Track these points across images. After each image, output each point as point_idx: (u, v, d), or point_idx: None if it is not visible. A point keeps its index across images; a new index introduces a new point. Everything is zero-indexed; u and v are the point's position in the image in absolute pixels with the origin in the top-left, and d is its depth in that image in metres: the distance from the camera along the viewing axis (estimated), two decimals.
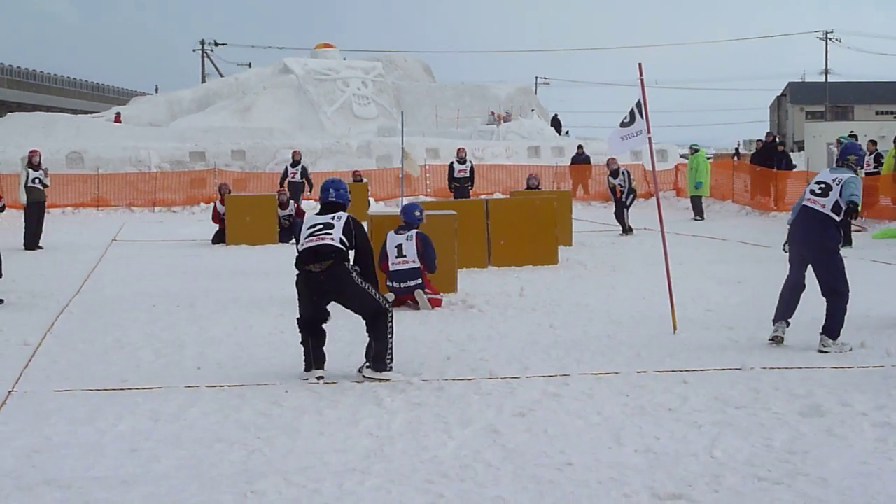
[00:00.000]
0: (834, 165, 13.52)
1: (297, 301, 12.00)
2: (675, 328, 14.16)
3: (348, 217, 12.10)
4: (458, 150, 39.03)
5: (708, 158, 41.19)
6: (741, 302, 16.12)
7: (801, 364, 12.02)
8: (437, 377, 11.61)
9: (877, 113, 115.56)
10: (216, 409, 10.28)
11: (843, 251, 18.60)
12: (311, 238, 11.86)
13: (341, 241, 11.82)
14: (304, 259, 11.83)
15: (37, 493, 7.82)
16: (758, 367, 11.82)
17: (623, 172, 31.48)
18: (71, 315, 16.36)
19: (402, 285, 16.58)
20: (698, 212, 36.11)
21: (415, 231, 16.80)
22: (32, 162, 28.81)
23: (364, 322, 12.01)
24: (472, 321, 15.24)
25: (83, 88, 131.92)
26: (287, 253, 17.10)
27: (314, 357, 11.86)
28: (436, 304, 16.56)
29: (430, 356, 12.78)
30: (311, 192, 33.26)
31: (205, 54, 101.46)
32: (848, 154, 13.35)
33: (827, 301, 12.90)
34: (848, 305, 12.85)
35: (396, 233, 16.83)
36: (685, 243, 26.42)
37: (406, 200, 34.85)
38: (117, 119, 64.02)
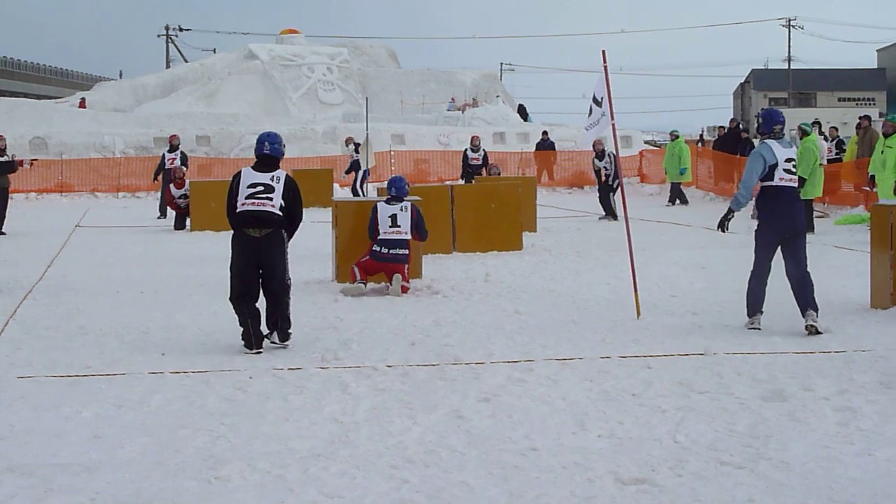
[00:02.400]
0: (767, 140, 13.36)
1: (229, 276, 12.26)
2: (639, 313, 14.20)
3: (287, 178, 12.25)
4: (472, 137, 39.25)
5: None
6: (705, 287, 16.18)
7: (764, 349, 12.07)
8: (402, 363, 11.60)
9: (839, 100, 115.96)
10: (181, 396, 10.25)
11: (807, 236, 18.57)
12: (251, 201, 11.93)
13: (281, 208, 11.99)
14: (245, 222, 11.98)
15: (0, 481, 7.77)
16: (721, 353, 11.87)
17: (609, 155, 31.09)
18: (34, 301, 16.28)
19: (391, 251, 16.63)
20: (681, 198, 36.08)
21: (409, 202, 16.88)
22: None
23: (269, 294, 12.33)
24: (438, 307, 15.24)
25: (47, 74, 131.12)
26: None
27: (254, 335, 12.11)
28: (404, 290, 16.56)
29: (395, 342, 12.78)
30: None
31: (169, 39, 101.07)
32: (776, 122, 13.31)
33: (800, 282, 12.91)
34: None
35: (388, 203, 16.89)
36: (649, 229, 26.50)
37: (372, 187, 34.92)
38: (82, 104, 63.69)
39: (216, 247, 23.13)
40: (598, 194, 31.91)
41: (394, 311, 14.99)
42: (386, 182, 18.31)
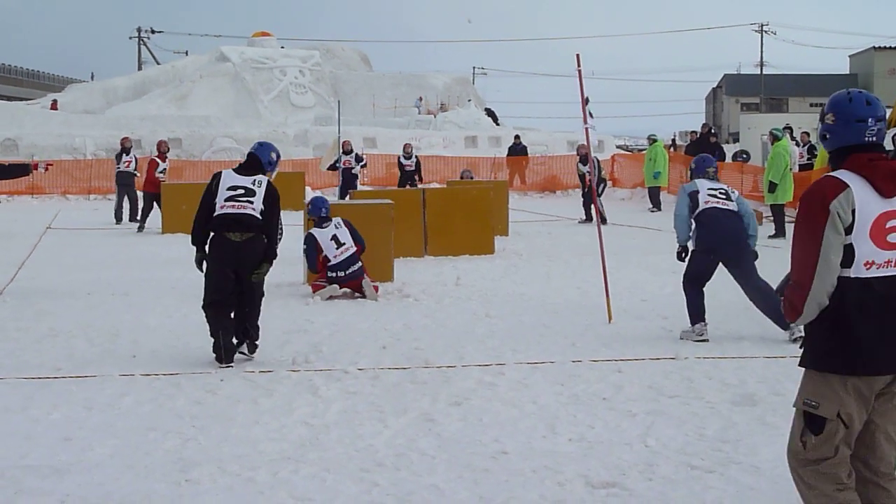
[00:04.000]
0: (696, 179, 13.62)
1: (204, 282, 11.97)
2: (609, 318, 14.24)
3: (268, 183, 11.97)
4: (405, 145, 39.38)
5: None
6: (675, 292, 16.18)
7: (734, 354, 12.13)
8: (373, 366, 11.60)
9: (811, 105, 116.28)
10: (151, 398, 10.23)
11: (776, 241, 18.66)
12: (231, 203, 11.68)
13: (261, 213, 11.72)
14: (224, 225, 11.69)
15: None
16: (691, 357, 11.92)
17: (593, 160, 31.10)
18: (4, 303, 16.24)
19: (348, 272, 16.53)
20: (655, 203, 36.09)
21: (339, 218, 16.81)
22: None
23: (245, 302, 11.92)
24: (408, 310, 15.25)
25: (18, 75, 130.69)
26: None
27: (225, 349, 11.69)
28: (375, 290, 16.56)
29: (365, 345, 12.78)
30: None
31: (141, 42, 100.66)
32: (707, 166, 13.75)
33: (762, 300, 12.90)
34: None
35: (321, 227, 16.73)
36: (620, 233, 26.58)
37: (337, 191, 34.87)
38: (53, 106, 63.48)
39: (187, 249, 23.06)
40: (582, 198, 31.97)
41: (364, 314, 15.00)
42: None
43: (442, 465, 8.15)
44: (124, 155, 32.84)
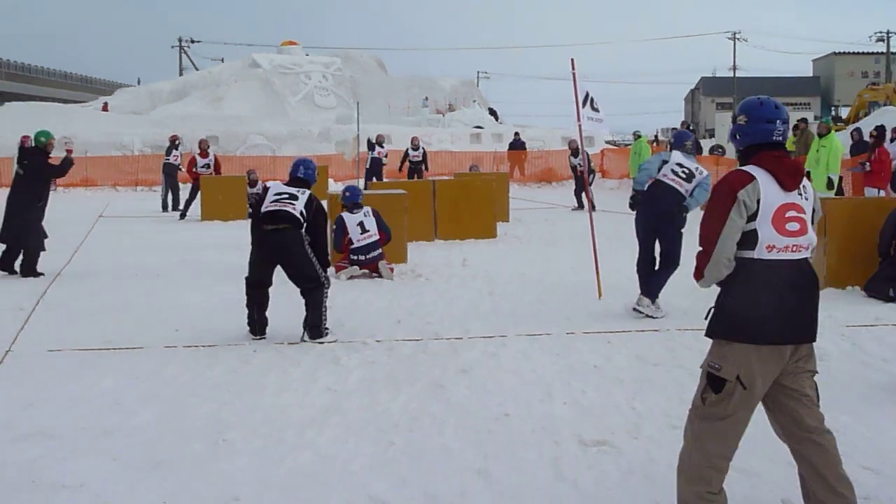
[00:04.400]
0: (669, 150, 13.49)
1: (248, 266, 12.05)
2: (600, 295, 14.20)
3: (311, 195, 12.06)
4: (413, 138, 39.24)
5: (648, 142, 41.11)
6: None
7: None
8: (389, 338, 11.59)
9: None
10: (190, 367, 10.22)
11: None
12: (274, 203, 11.87)
13: (301, 214, 11.78)
14: (264, 219, 11.83)
15: (30, 442, 7.76)
16: (673, 329, 11.89)
17: (584, 153, 31.17)
18: (61, 283, 16.24)
19: (368, 256, 16.50)
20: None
21: (370, 208, 16.77)
22: (25, 146, 28.62)
23: (301, 290, 11.84)
24: (420, 289, 15.22)
25: (73, 81, 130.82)
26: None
27: (258, 324, 11.83)
28: (391, 270, 16.55)
29: (382, 320, 12.76)
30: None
31: (182, 50, 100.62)
32: (684, 140, 13.52)
33: (661, 267, 12.97)
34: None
35: (351, 213, 16.68)
36: (610, 219, 26.47)
37: (361, 182, 34.83)
38: (104, 108, 63.54)
39: (222, 235, 23.11)
40: (574, 188, 32.04)
41: (381, 292, 14.97)
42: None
43: (451, 427, 8.13)
44: (173, 150, 32.89)
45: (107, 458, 7.35)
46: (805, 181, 5.92)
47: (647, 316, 12.71)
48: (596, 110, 15.13)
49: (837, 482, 5.85)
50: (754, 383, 5.74)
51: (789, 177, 5.81)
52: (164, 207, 31.64)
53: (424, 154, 38.11)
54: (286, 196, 12.01)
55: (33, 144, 17.96)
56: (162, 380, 9.79)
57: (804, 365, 5.90)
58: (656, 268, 13.09)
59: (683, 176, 12.96)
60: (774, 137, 5.93)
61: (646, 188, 13.12)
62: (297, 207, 11.81)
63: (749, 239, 5.78)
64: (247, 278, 12.01)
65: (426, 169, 37.53)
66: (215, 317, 13.11)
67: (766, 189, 5.77)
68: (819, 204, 6.04)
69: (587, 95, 15.07)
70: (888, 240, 14.11)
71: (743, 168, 5.89)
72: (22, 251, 17.03)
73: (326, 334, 11.72)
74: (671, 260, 12.94)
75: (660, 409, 8.63)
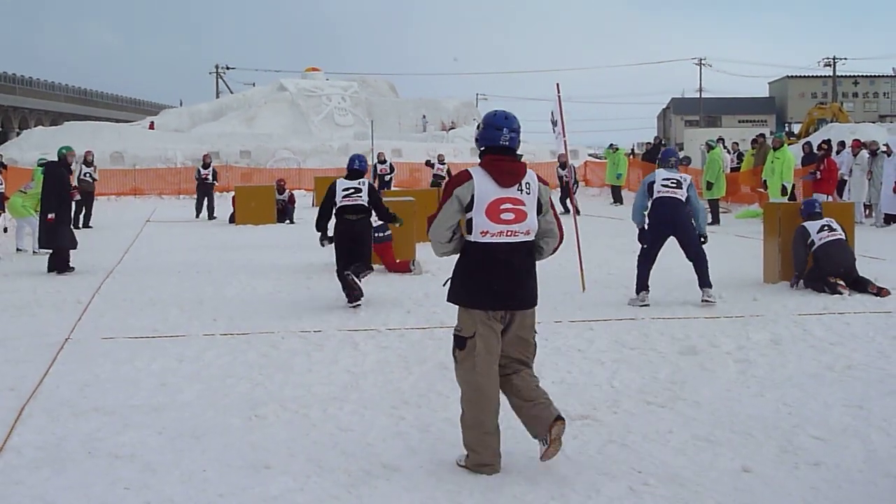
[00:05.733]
0: (661, 167, 13.41)
1: (333, 254, 13.32)
2: (583, 287, 14.22)
3: (369, 183, 13.62)
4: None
5: (626, 154, 41.12)
6: (635, 267, 16.17)
7: (681, 315, 12.10)
8: (400, 326, 11.60)
9: (739, 121, 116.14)
10: (227, 352, 10.24)
11: (712, 228, 18.45)
12: (347, 198, 13.36)
13: (367, 202, 13.47)
14: (345, 211, 13.35)
15: (87, 418, 7.78)
16: (647, 318, 11.90)
17: (570, 166, 31.36)
18: (114, 279, 16.26)
19: (377, 234, 16.40)
20: (617, 198, 35.89)
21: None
22: (87, 160, 28.82)
23: (355, 258, 13.17)
24: (427, 283, 15.22)
25: (124, 102, 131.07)
26: (280, 231, 17.09)
27: (358, 290, 12.93)
28: (404, 266, 16.59)
29: (394, 310, 12.77)
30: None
31: (219, 76, 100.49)
32: (669, 157, 13.51)
33: (696, 262, 12.94)
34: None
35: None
36: (592, 222, 26.50)
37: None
38: (151, 126, 63.54)
39: (255, 237, 23.11)
40: (560, 195, 32.16)
41: (393, 286, 14.98)
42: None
43: (454, 403, 8.09)
44: (202, 169, 32.29)
45: (154, 432, 7.37)
46: (530, 180, 6.37)
47: (712, 301, 12.70)
48: (554, 124, 15.16)
49: (532, 393, 6.42)
50: (488, 339, 6.33)
51: (504, 176, 6.28)
52: (198, 214, 31.57)
53: (448, 170, 37.22)
54: (352, 190, 13.40)
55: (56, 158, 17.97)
56: (203, 363, 9.80)
57: (529, 318, 6.58)
58: (650, 263, 13.18)
59: (674, 185, 12.96)
60: (502, 142, 6.37)
61: (650, 207, 13.07)
62: (364, 198, 13.43)
63: (469, 225, 6.34)
64: (338, 268, 13.06)
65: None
66: (249, 308, 13.12)
67: (481, 186, 6.26)
68: (546, 197, 6.55)
69: (552, 114, 15.11)
70: (803, 258, 13.98)
71: (468, 168, 6.40)
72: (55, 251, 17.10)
73: (363, 276, 13.20)
74: (699, 254, 12.94)
75: (635, 386, 8.64)
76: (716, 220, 26.11)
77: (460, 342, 6.44)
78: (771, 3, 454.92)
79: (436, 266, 16.96)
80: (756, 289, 14.14)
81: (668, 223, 12.91)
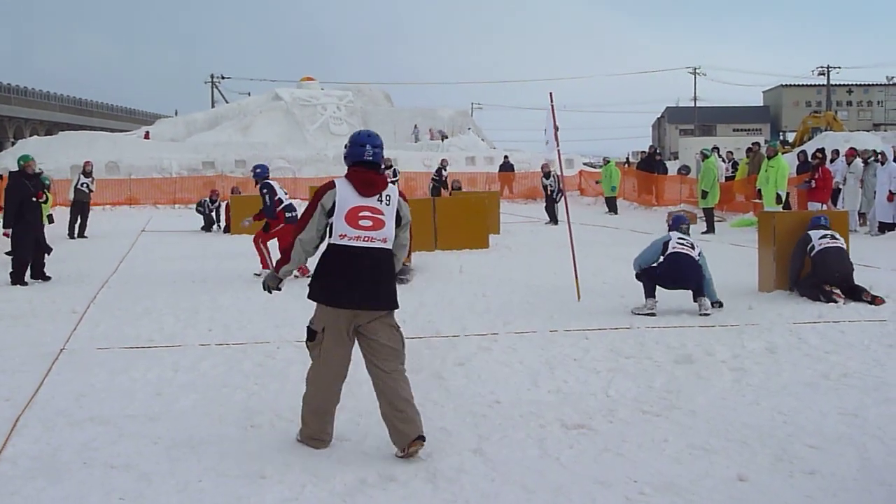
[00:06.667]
0: (673, 230, 13.63)
1: None
2: (579, 297, 14.21)
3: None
4: (442, 160, 38.65)
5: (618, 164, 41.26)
6: (630, 276, 16.14)
7: (676, 324, 12.10)
8: None
9: (734, 130, 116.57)
10: (223, 362, 10.23)
11: (707, 237, 18.42)
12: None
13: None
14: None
15: (83, 428, 7.77)
16: (643, 327, 11.90)
17: (554, 175, 31.59)
18: (110, 288, 16.24)
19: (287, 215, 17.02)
20: (612, 208, 35.94)
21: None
22: (85, 170, 28.86)
23: None
24: (422, 292, 15.22)
25: (119, 112, 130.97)
26: (275, 241, 17.14)
27: None
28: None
29: None
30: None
31: (214, 85, 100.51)
32: (680, 224, 13.79)
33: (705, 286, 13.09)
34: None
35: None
36: (587, 231, 26.50)
37: None
38: (146, 136, 63.52)
39: (250, 247, 23.06)
40: (545, 205, 32.27)
41: None
42: None
43: (450, 411, 8.15)
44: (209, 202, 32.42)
45: (150, 441, 7.36)
46: (390, 193, 7.03)
47: (708, 313, 12.75)
48: (545, 132, 15.21)
49: (399, 402, 6.89)
50: (335, 335, 6.97)
51: (364, 186, 6.93)
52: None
53: (446, 176, 37.21)
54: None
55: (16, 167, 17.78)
56: (198, 372, 9.79)
57: (385, 320, 7.09)
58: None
59: (689, 245, 13.15)
60: (365, 157, 7.04)
61: (663, 260, 13.12)
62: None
63: (330, 229, 6.93)
64: None
65: (447, 188, 35.51)
66: (244, 317, 13.10)
67: (342, 194, 6.91)
68: (406, 211, 7.16)
69: (546, 124, 15.15)
70: (798, 265, 14.13)
71: (335, 178, 7.06)
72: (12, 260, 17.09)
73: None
74: (705, 280, 13.14)
75: (631, 395, 8.65)
76: (710, 229, 26.14)
77: (311, 334, 7.11)
78: (765, 12, 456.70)
79: (430, 276, 16.97)
80: (751, 297, 14.15)
81: (683, 274, 13.04)
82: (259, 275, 17.08)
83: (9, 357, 10.61)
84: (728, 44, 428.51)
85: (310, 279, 7.08)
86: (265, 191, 17.21)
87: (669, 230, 13.77)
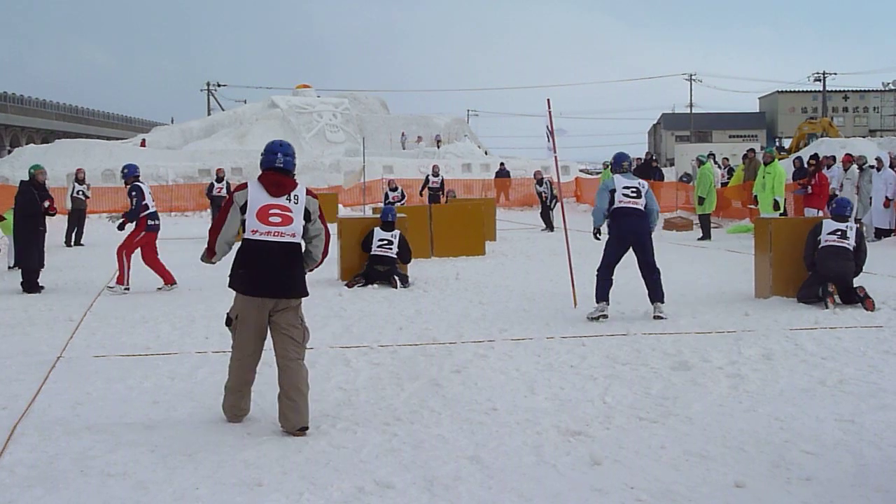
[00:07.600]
0: (615, 174, 13.49)
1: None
2: (575, 303, 14.23)
3: (401, 235, 16.90)
4: (433, 166, 38.69)
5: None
6: (626, 283, 16.16)
7: (672, 330, 12.12)
8: (392, 343, 11.60)
9: (730, 136, 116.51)
10: (220, 370, 10.19)
11: (703, 244, 18.41)
12: (380, 248, 16.82)
13: (397, 254, 16.67)
14: (375, 261, 16.78)
15: (80, 436, 7.76)
16: (639, 333, 11.91)
17: (546, 182, 31.65)
18: (106, 296, 16.25)
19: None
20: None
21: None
22: (78, 177, 28.86)
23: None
24: (419, 299, 15.24)
25: (115, 120, 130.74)
26: None
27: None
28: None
29: (386, 326, 12.77)
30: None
31: (210, 93, 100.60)
32: (622, 161, 13.65)
33: (650, 276, 13.09)
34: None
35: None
36: (583, 238, 26.46)
37: (369, 208, 34.86)
38: (143, 144, 63.54)
39: None
40: (540, 212, 32.27)
41: (385, 303, 14.98)
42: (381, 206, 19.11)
43: (447, 419, 8.15)
44: (216, 183, 32.94)
45: (147, 450, 7.35)
46: (299, 193, 7.86)
47: (664, 317, 12.87)
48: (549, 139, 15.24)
49: (293, 392, 7.73)
50: (247, 321, 7.92)
51: (273, 187, 7.78)
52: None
53: (442, 181, 36.77)
54: (386, 242, 16.84)
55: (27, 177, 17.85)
56: (195, 380, 9.80)
57: (295, 312, 7.98)
58: (612, 276, 13.31)
59: (634, 195, 13.07)
60: (277, 164, 7.88)
61: (609, 215, 13.17)
62: (394, 250, 16.90)
63: (243, 225, 7.80)
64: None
65: (444, 194, 35.42)
66: None
67: (254, 194, 7.76)
68: (314, 206, 7.97)
69: (549, 129, 15.18)
70: (811, 252, 14.23)
71: (247, 180, 7.90)
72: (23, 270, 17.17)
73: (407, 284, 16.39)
74: (654, 267, 13.15)
75: (627, 402, 8.65)
76: (707, 236, 26.17)
77: (228, 321, 8.12)
78: (761, 19, 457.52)
79: (427, 283, 16.98)
80: (747, 304, 14.17)
81: (630, 235, 13.07)
82: (113, 288, 16.79)
83: (5, 365, 10.60)
84: (724, 50, 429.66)
85: (230, 271, 8.01)
86: (133, 193, 16.77)
87: (613, 171, 13.57)
